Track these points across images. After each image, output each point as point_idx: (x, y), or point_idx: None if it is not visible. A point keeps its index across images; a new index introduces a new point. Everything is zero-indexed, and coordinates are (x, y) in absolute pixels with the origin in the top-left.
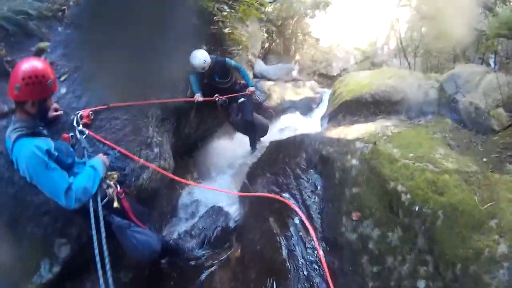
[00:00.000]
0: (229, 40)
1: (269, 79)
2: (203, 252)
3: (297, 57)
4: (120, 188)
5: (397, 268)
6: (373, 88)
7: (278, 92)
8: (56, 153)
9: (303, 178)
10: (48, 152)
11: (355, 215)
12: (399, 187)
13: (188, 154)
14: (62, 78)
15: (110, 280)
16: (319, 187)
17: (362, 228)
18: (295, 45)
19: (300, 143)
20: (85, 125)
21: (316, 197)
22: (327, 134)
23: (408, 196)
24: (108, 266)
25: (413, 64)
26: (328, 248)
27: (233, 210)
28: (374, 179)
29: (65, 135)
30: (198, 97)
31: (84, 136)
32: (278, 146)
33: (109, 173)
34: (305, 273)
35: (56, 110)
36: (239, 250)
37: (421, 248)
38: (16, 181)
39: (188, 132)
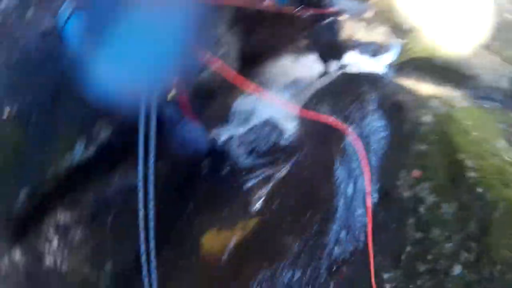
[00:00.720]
0: None
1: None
2: (247, 164)
3: None
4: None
5: (440, 243)
6: (448, 54)
7: (349, 29)
8: None
9: (370, 118)
10: None
11: (415, 173)
12: (468, 162)
13: (250, 64)
14: None
15: (152, 169)
16: (385, 132)
17: (419, 189)
18: None
19: (374, 82)
20: None
21: (380, 141)
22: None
23: (475, 174)
24: (152, 154)
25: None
26: (378, 197)
27: (289, 128)
28: (444, 144)
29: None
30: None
31: None
32: (349, 79)
33: None
34: (348, 216)
35: None
36: (285, 171)
37: (471, 233)
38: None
39: (258, 39)
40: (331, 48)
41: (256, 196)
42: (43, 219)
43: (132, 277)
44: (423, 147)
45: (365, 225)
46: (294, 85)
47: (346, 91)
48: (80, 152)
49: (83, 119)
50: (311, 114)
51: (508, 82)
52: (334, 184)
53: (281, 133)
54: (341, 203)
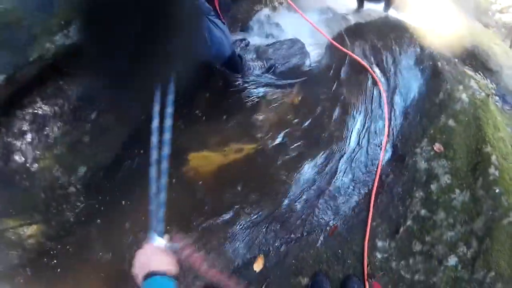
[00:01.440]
0: None
1: None
2: (262, 80)
3: None
4: None
5: (441, 228)
6: (477, 42)
7: None
8: None
9: (406, 71)
10: None
11: (438, 147)
12: (493, 158)
13: None
14: None
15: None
16: (418, 93)
17: (437, 164)
18: None
19: (417, 38)
20: None
21: (410, 99)
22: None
23: (496, 173)
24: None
25: None
26: (391, 158)
27: (314, 54)
28: (474, 129)
29: None
30: None
31: None
32: (390, 25)
33: None
34: (357, 167)
35: None
36: (298, 98)
37: (475, 229)
38: None
39: None
40: None
41: (262, 117)
42: (19, 109)
43: (102, 186)
44: (451, 122)
45: (370, 182)
46: (330, 12)
47: (387, 35)
48: (73, 33)
49: None
50: (344, 49)
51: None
52: (346, 128)
53: (304, 56)
54: (353, 145)
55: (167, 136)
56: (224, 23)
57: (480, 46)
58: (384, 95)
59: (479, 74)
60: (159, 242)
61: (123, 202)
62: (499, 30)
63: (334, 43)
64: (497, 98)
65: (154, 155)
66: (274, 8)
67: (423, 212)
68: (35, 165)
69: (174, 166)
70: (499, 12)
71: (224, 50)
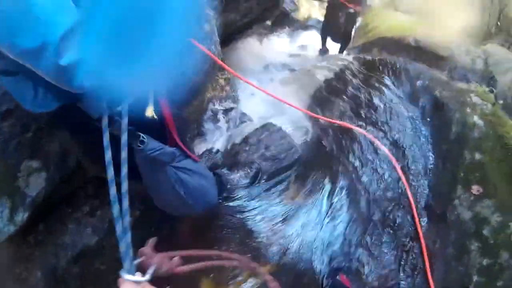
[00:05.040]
0: None
1: None
2: (253, 192)
3: None
4: None
5: (510, 268)
6: (419, 34)
7: (306, 7)
8: None
9: (403, 118)
10: None
11: (475, 189)
12: None
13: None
14: None
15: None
16: (428, 137)
17: (481, 207)
18: None
19: (403, 70)
20: None
21: (422, 149)
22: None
23: None
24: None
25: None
26: (430, 222)
27: (297, 133)
28: (502, 152)
29: None
30: None
31: None
32: (365, 67)
33: None
34: (398, 251)
35: None
36: (299, 192)
37: None
38: None
39: (233, 17)
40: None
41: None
42: None
43: None
44: (478, 155)
45: (419, 255)
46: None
47: (366, 80)
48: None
49: None
50: (324, 118)
51: (482, 64)
52: (366, 207)
53: (289, 142)
54: (380, 227)
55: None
56: (196, 160)
57: (427, 38)
58: (392, 159)
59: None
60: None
61: None
62: None
63: (312, 114)
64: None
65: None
66: (221, 90)
67: (485, 261)
68: None
69: None
70: None
71: (210, 197)
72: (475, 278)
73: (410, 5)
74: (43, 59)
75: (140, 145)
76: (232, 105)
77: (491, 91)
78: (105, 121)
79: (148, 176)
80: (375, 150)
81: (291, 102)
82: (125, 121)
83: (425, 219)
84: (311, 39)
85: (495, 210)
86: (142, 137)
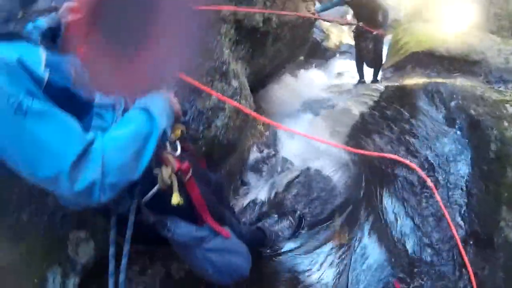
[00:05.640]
0: None
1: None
2: (298, 242)
3: None
4: (184, 153)
5: None
6: (449, 42)
7: (336, 34)
8: (50, 76)
9: (441, 142)
10: (25, 71)
11: None
12: None
13: (255, 92)
14: None
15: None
16: (467, 159)
17: None
18: None
19: (435, 93)
20: None
21: (462, 171)
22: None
23: None
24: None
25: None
26: (476, 248)
27: (336, 171)
28: None
29: None
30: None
31: None
32: (398, 95)
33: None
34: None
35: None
36: (345, 236)
37: None
38: None
39: (263, 62)
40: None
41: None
42: None
43: None
44: None
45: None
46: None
47: (398, 111)
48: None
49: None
50: (364, 152)
51: None
52: (410, 242)
53: (328, 183)
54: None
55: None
56: (228, 236)
57: (458, 45)
58: (434, 190)
59: (457, 73)
60: None
61: None
62: None
63: (350, 149)
64: (488, 84)
65: None
66: (261, 136)
67: None
68: None
69: None
70: None
71: (241, 271)
72: None
73: (436, 12)
74: (59, 187)
75: (167, 232)
76: (272, 151)
77: None
78: (113, 220)
79: (182, 252)
80: (418, 181)
81: (329, 140)
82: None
83: (471, 246)
84: (346, 65)
85: None
86: (168, 225)
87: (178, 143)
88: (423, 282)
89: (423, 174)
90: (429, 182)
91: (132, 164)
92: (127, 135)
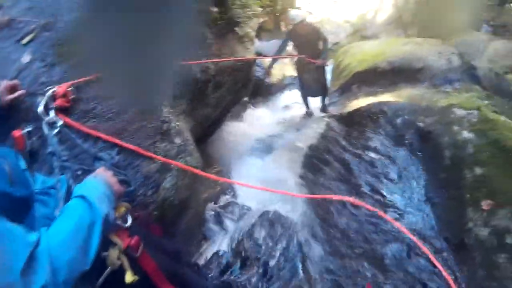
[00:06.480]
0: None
1: (265, 56)
2: None
3: None
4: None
5: None
6: (389, 56)
7: (278, 68)
8: None
9: (394, 162)
10: None
11: (485, 204)
12: None
13: (202, 142)
14: (25, 41)
15: None
16: (422, 172)
17: (497, 220)
18: (285, 21)
19: (380, 114)
20: (61, 110)
21: (420, 187)
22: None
23: None
24: None
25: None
26: (450, 253)
27: (295, 215)
28: (502, 155)
29: (17, 133)
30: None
31: (56, 131)
32: (344, 123)
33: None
34: None
35: (13, 90)
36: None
37: None
38: None
39: (206, 112)
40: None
41: None
42: None
43: None
44: (479, 170)
45: None
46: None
47: (347, 138)
48: None
49: None
50: (322, 196)
51: (458, 59)
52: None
53: (289, 226)
54: None
55: None
56: None
57: (398, 56)
58: (397, 224)
59: (403, 84)
60: None
61: None
62: None
63: (298, 195)
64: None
65: None
66: (215, 186)
67: None
68: None
69: None
70: None
71: None
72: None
73: (372, 27)
74: None
75: None
76: (228, 199)
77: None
78: None
79: None
80: (372, 214)
81: (280, 182)
82: None
83: (446, 252)
84: (292, 97)
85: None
86: None
87: (128, 214)
88: None
89: (369, 207)
90: (380, 213)
91: (81, 256)
92: (70, 228)
